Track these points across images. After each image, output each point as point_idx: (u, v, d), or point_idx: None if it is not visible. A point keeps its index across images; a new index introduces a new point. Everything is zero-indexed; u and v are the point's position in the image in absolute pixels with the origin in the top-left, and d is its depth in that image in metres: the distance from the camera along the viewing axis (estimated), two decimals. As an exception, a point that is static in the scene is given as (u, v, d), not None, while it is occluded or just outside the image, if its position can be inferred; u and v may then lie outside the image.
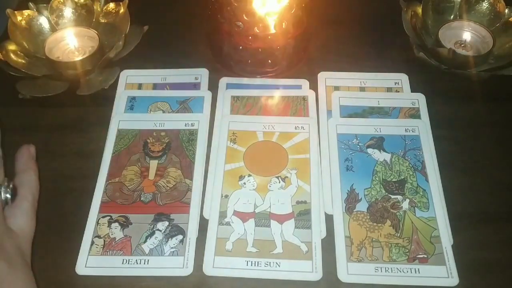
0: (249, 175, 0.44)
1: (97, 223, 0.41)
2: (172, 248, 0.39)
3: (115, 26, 0.53)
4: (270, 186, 0.43)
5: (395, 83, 0.51)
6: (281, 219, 0.41)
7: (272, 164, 0.44)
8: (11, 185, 0.36)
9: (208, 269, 0.38)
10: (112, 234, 0.40)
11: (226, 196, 0.42)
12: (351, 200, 0.42)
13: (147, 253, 0.39)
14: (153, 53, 0.54)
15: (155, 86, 0.51)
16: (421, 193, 0.42)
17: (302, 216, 0.41)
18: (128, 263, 0.39)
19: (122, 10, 0.53)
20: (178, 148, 0.46)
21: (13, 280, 0.32)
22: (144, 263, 0.39)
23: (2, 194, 0.35)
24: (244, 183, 0.43)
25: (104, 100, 0.50)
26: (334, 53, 0.54)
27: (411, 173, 0.43)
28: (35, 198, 0.38)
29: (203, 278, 0.38)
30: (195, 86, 0.51)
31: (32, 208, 0.37)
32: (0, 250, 0.32)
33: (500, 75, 0.48)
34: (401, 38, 0.52)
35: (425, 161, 0.44)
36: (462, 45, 0.52)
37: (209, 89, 0.51)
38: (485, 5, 0.53)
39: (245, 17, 0.46)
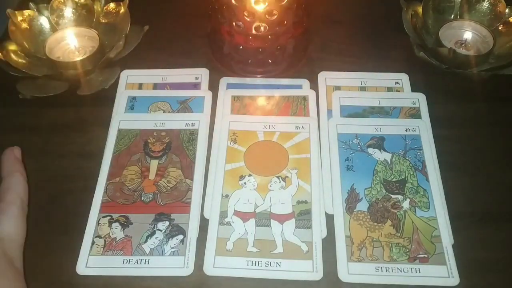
0: (250, 175, 0.44)
1: (98, 223, 0.41)
2: (172, 248, 0.39)
3: (115, 26, 0.53)
4: (270, 186, 0.43)
5: (396, 83, 0.51)
6: (281, 219, 0.41)
7: (272, 164, 0.44)
8: None
9: (209, 269, 0.38)
10: (112, 234, 0.40)
11: (227, 196, 0.42)
12: (351, 200, 0.42)
13: (147, 253, 0.39)
14: (153, 53, 0.54)
15: (156, 86, 0.51)
16: (422, 193, 0.42)
17: (302, 216, 0.41)
18: (129, 263, 0.39)
19: (122, 10, 0.53)
20: (178, 148, 0.46)
21: None
22: (145, 263, 0.39)
23: None
24: (245, 183, 0.43)
25: (104, 100, 0.50)
26: (334, 53, 0.54)
27: (411, 173, 0.43)
28: (24, 202, 0.37)
29: (203, 278, 0.38)
30: (196, 86, 0.51)
31: (21, 211, 0.36)
32: None
33: (501, 74, 0.48)
34: (401, 38, 0.52)
35: (425, 161, 0.44)
36: (463, 44, 0.52)
37: (209, 89, 0.51)
38: (485, 4, 0.53)
39: (245, 17, 0.46)
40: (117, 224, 0.41)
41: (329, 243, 0.40)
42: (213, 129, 0.47)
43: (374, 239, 0.40)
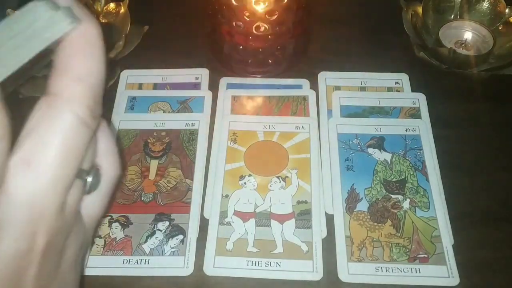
0: (250, 175, 0.44)
1: (98, 223, 0.41)
2: (172, 248, 0.39)
3: (115, 26, 0.53)
4: (270, 186, 0.43)
5: (396, 83, 0.51)
6: (281, 219, 0.41)
7: (272, 164, 0.44)
8: (99, 172, 0.25)
9: (209, 269, 0.38)
10: (112, 234, 0.40)
11: (227, 196, 0.42)
12: (351, 200, 0.42)
13: (147, 253, 0.39)
14: (153, 53, 0.54)
15: (156, 86, 0.51)
16: (422, 193, 0.42)
17: (302, 216, 0.41)
18: (129, 263, 0.39)
19: (122, 10, 0.53)
20: (178, 148, 0.46)
21: None
22: (145, 263, 0.39)
23: (92, 179, 0.24)
24: (245, 183, 0.43)
25: (104, 100, 0.49)
26: (334, 53, 0.54)
27: (411, 173, 0.43)
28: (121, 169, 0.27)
29: (203, 278, 0.38)
30: (196, 86, 0.51)
31: (112, 186, 0.26)
32: (56, 271, 0.22)
33: (501, 74, 0.48)
34: (401, 38, 0.52)
35: (425, 161, 0.44)
36: (463, 44, 0.52)
37: (209, 89, 0.51)
38: (485, 4, 0.53)
39: (245, 17, 0.46)
40: (117, 224, 0.41)
41: (329, 243, 0.40)
42: (213, 129, 0.47)
43: (374, 239, 0.40)
